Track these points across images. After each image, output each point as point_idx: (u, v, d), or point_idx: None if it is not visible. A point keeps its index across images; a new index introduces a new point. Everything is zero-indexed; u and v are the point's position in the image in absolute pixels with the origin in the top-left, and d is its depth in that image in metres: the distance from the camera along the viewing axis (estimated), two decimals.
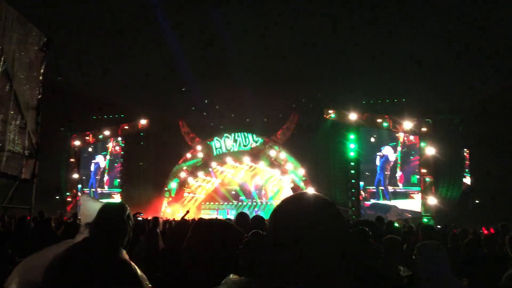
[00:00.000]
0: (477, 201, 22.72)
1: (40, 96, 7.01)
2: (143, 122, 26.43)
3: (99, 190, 26.49)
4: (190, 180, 27.57)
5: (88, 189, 26.38)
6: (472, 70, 21.33)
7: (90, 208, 2.61)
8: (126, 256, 2.41)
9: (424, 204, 21.04)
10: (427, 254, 2.91)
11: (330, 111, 23.67)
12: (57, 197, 26.04)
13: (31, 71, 6.82)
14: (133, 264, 2.38)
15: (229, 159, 27.27)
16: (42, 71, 7.09)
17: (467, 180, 22.14)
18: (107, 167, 26.98)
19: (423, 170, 21.27)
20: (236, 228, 1.97)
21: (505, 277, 3.17)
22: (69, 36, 20.32)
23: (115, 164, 27.06)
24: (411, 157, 22.06)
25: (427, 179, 21.17)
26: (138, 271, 2.37)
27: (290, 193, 26.36)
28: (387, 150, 22.41)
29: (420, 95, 22.38)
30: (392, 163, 22.24)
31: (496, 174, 21.93)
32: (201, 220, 2.01)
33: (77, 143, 26.70)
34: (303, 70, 23.51)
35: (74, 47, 21.28)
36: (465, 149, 21.97)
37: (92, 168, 27.02)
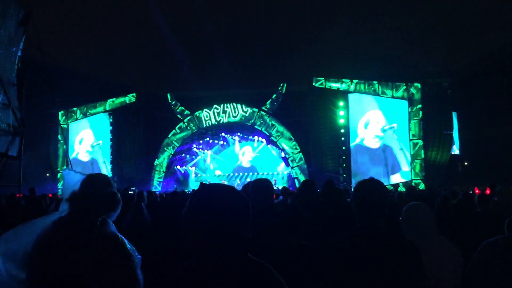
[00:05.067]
0: (466, 164, 23.00)
1: (20, 72, 6.81)
2: (131, 96, 26.03)
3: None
4: (181, 153, 27.54)
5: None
6: (460, 33, 21.28)
7: (71, 181, 2.54)
8: (114, 229, 2.38)
9: (413, 168, 21.24)
10: (410, 214, 2.94)
11: (319, 79, 23.49)
12: (48, 174, 25.92)
13: (11, 47, 6.61)
14: (121, 237, 2.35)
15: (219, 131, 27.22)
16: (21, 46, 6.88)
17: (456, 143, 22.33)
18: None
19: (413, 134, 21.38)
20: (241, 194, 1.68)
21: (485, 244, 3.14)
22: (53, 10, 19.84)
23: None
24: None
25: (417, 143, 21.29)
26: (127, 243, 2.35)
27: (280, 163, 26.50)
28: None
29: (408, 60, 22.29)
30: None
31: (484, 137, 22.15)
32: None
33: (64, 119, 26.40)
34: (291, 39, 23.26)
35: (59, 21, 20.83)
36: (454, 112, 22.04)
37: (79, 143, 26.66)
